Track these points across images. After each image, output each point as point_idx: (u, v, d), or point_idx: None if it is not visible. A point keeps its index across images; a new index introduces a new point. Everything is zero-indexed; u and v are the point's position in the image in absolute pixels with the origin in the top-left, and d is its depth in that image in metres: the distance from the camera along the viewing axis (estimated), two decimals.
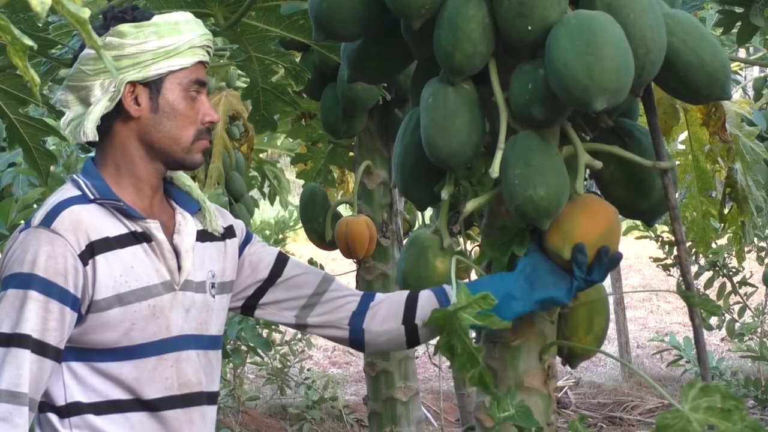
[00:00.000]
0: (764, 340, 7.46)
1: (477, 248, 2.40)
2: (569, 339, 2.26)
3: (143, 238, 2.12)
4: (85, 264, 2.04)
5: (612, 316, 8.31)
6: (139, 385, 2.09)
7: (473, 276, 2.34)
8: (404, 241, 4.01)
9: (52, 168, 3.40)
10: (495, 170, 2.08)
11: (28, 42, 1.25)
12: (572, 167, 2.16)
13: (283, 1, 2.90)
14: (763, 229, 6.72)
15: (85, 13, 1.26)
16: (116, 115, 2.13)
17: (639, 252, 13.91)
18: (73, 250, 2.03)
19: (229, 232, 2.27)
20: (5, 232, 3.63)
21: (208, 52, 2.18)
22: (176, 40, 2.13)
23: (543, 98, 2.06)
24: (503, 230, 2.20)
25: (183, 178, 2.26)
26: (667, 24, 2.12)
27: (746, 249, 5.43)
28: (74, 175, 2.15)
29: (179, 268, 2.15)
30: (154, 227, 2.14)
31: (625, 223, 8.05)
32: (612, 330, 8.35)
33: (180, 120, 2.15)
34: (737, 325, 7.59)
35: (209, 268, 2.20)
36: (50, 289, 2.01)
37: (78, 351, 2.07)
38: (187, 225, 2.19)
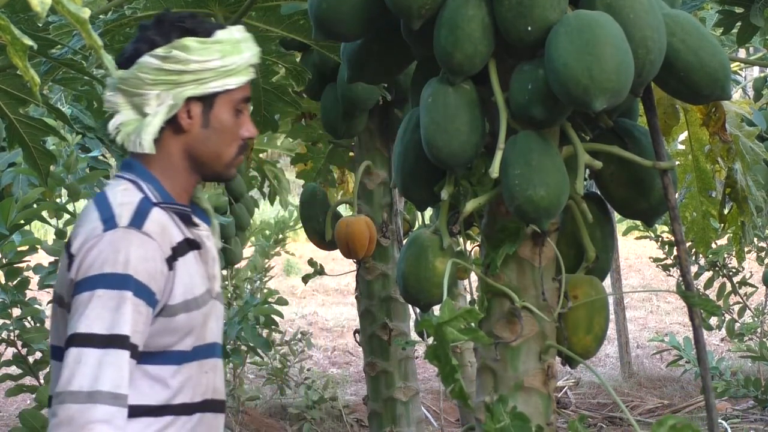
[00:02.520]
0: (764, 340, 7.46)
1: (477, 248, 2.40)
2: (569, 339, 2.26)
3: (195, 245, 2.14)
4: (170, 268, 2.07)
5: (612, 316, 8.31)
6: (182, 390, 2.10)
7: (473, 276, 2.34)
8: (404, 241, 4.01)
9: (51, 168, 3.40)
10: (495, 170, 2.08)
11: (28, 42, 1.25)
12: (572, 167, 2.16)
13: (284, 1, 2.90)
14: (763, 229, 6.72)
15: (85, 13, 1.26)
16: (167, 125, 2.14)
17: (639, 252, 13.91)
18: (162, 254, 2.06)
19: None
20: (5, 231, 3.63)
21: (256, 69, 2.22)
22: (237, 60, 2.15)
23: (543, 98, 2.06)
24: (503, 231, 2.21)
25: (196, 190, 2.27)
26: (667, 24, 2.12)
27: (746, 249, 5.43)
28: (125, 175, 2.15)
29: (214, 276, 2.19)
30: (205, 235, 2.18)
31: (625, 224, 8.05)
32: (612, 330, 8.34)
33: (226, 136, 2.17)
34: (737, 325, 7.59)
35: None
36: (143, 292, 2.02)
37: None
38: (210, 234, 2.22)
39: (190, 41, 2.12)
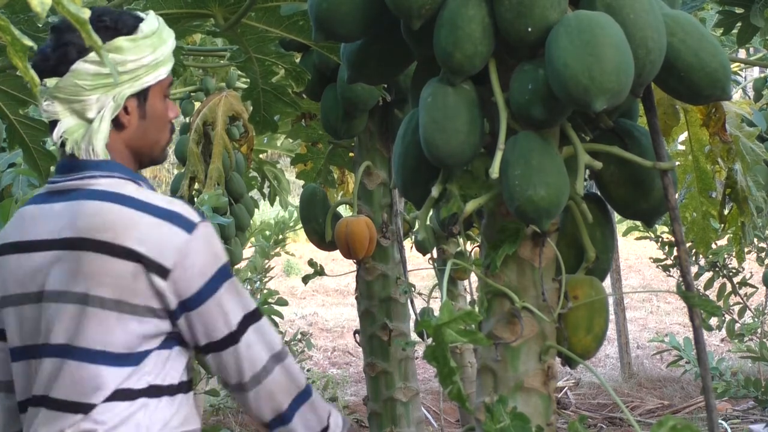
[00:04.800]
0: (764, 340, 7.46)
1: (477, 249, 2.40)
2: (569, 339, 2.26)
3: None
4: None
5: (612, 317, 8.32)
6: (188, 368, 2.22)
7: (473, 277, 2.34)
8: (404, 242, 4.01)
9: (51, 168, 3.40)
10: (495, 170, 2.08)
11: (28, 42, 1.25)
12: (572, 168, 2.16)
13: (283, 1, 2.90)
14: (763, 229, 6.72)
15: (86, 13, 1.26)
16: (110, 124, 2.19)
17: (639, 252, 13.92)
18: None
19: None
20: None
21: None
22: (164, 50, 2.22)
23: (543, 98, 2.06)
24: (503, 231, 2.21)
25: None
26: (667, 24, 2.12)
27: (746, 250, 5.42)
28: (114, 173, 2.18)
29: None
30: None
31: (625, 224, 8.05)
32: (612, 330, 8.35)
33: (161, 123, 2.25)
34: (737, 325, 7.58)
35: None
36: (231, 269, 2.25)
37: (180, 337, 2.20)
38: None
39: (121, 42, 2.16)
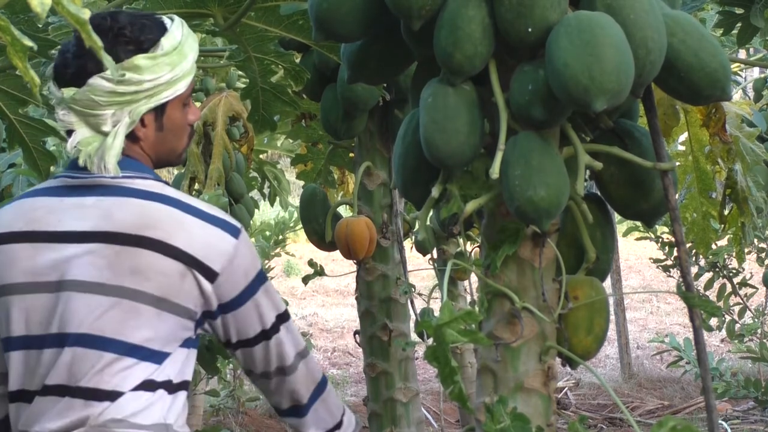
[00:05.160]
0: (764, 341, 7.46)
1: (477, 249, 2.40)
2: (570, 340, 2.26)
3: None
4: None
5: (612, 317, 8.31)
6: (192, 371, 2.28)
7: (473, 277, 2.34)
8: (404, 242, 4.01)
9: (51, 168, 3.40)
10: (495, 171, 2.08)
11: (28, 43, 1.25)
12: (572, 168, 2.16)
13: (283, 1, 2.90)
14: (763, 230, 6.72)
15: (85, 14, 1.26)
16: (125, 138, 2.20)
17: (639, 253, 13.93)
18: None
19: None
20: None
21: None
22: (184, 66, 2.22)
23: (543, 99, 2.05)
24: (503, 231, 2.20)
25: None
26: (668, 25, 2.12)
27: (746, 250, 5.42)
28: (153, 175, 2.23)
29: None
30: None
31: (626, 225, 8.05)
32: (612, 331, 8.34)
33: (179, 132, 2.28)
34: (737, 326, 7.59)
35: None
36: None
37: (197, 339, 2.26)
38: None
39: (140, 60, 2.15)
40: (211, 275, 2.16)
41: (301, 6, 2.88)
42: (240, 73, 5.50)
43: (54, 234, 2.17)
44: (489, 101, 2.17)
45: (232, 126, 5.26)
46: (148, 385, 2.16)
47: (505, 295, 2.23)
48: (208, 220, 2.17)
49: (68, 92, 2.14)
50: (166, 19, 2.23)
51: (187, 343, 2.22)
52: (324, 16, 2.20)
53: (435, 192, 2.22)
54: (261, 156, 6.21)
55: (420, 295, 4.55)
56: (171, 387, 2.19)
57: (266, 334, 2.30)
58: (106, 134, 2.16)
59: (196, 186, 5.20)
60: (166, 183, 2.24)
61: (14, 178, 4.72)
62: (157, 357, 2.16)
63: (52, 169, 3.38)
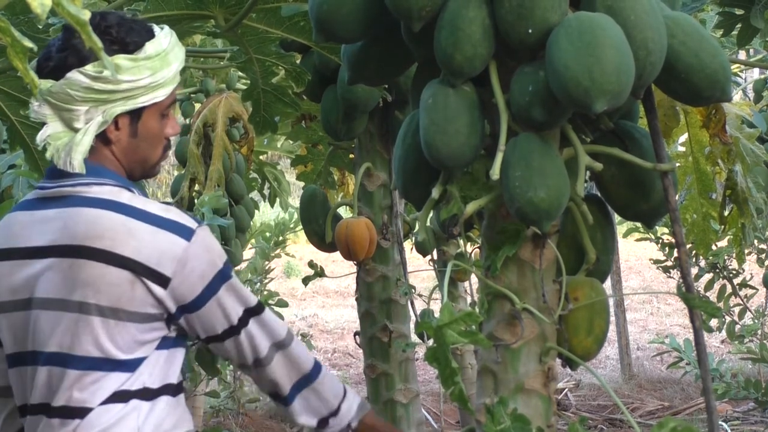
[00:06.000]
0: (765, 342, 7.46)
1: (477, 251, 2.40)
2: (570, 341, 2.26)
3: None
4: None
5: (612, 318, 8.31)
6: (181, 371, 2.26)
7: (473, 278, 2.34)
8: (404, 243, 4.01)
9: None
10: (495, 172, 2.08)
11: (29, 44, 1.25)
12: (573, 169, 2.16)
13: (284, 2, 2.90)
14: (763, 231, 6.71)
15: (86, 14, 1.26)
16: (97, 137, 2.17)
17: (639, 254, 13.92)
18: None
19: None
20: None
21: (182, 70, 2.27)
22: (166, 73, 2.19)
23: (543, 100, 2.05)
24: (503, 233, 2.20)
25: None
26: (668, 26, 2.12)
27: (746, 251, 5.42)
28: (106, 181, 2.18)
29: None
30: None
31: (626, 225, 8.05)
32: (612, 332, 8.34)
33: (153, 141, 2.24)
34: (737, 327, 7.58)
35: None
36: (231, 267, 2.27)
37: (180, 337, 2.23)
38: None
39: (121, 60, 2.13)
40: (162, 281, 2.11)
41: (302, 7, 2.88)
42: (240, 74, 5.50)
43: (25, 250, 2.16)
44: (489, 102, 2.17)
45: (232, 127, 5.26)
46: (120, 396, 2.12)
47: (505, 297, 2.23)
48: (159, 224, 2.12)
49: (45, 84, 2.12)
50: (155, 27, 2.22)
51: (165, 344, 2.18)
52: (324, 17, 2.20)
53: (435, 193, 2.22)
54: (261, 157, 6.21)
55: (420, 296, 4.55)
56: (149, 393, 2.15)
57: (234, 330, 2.26)
58: (77, 131, 2.13)
59: (196, 187, 5.20)
60: (125, 187, 2.18)
61: (14, 180, 4.71)
62: (126, 366, 2.12)
63: None
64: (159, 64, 2.17)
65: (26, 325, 2.15)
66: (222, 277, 2.21)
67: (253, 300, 2.28)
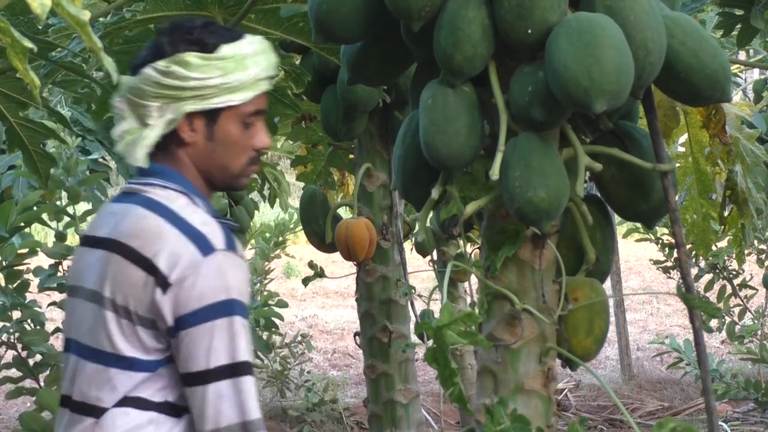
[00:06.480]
0: (764, 342, 7.46)
1: (477, 251, 2.40)
2: (570, 341, 2.26)
3: None
4: None
5: (612, 319, 8.31)
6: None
7: (473, 279, 2.34)
8: (404, 244, 4.01)
9: (51, 171, 3.40)
10: (495, 172, 2.08)
11: (29, 44, 1.25)
12: (572, 169, 2.16)
13: (283, 3, 2.90)
14: (763, 231, 6.72)
15: (86, 15, 1.26)
16: (172, 138, 2.14)
17: (639, 254, 13.92)
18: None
19: None
20: (5, 234, 3.64)
21: (272, 78, 2.18)
22: (241, 77, 2.13)
23: (543, 100, 2.06)
24: (503, 233, 2.21)
25: None
26: (667, 26, 2.12)
27: (746, 251, 5.41)
28: (167, 184, 2.14)
29: None
30: None
31: (625, 226, 8.06)
32: (612, 332, 8.34)
33: (234, 149, 2.16)
34: (737, 327, 7.58)
35: None
36: (244, 312, 2.05)
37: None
38: None
39: (191, 57, 2.10)
40: (164, 284, 2.04)
41: (301, 8, 2.88)
42: None
43: (92, 239, 2.18)
44: (489, 103, 2.17)
45: None
46: (135, 403, 2.08)
47: (505, 297, 2.23)
48: (188, 233, 2.06)
49: (125, 79, 2.13)
50: (245, 35, 2.18)
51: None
52: (324, 17, 2.20)
53: (435, 193, 2.22)
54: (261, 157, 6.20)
55: (420, 296, 4.55)
56: (172, 409, 2.08)
57: (205, 378, 2.02)
58: (148, 127, 2.13)
59: None
60: (186, 194, 2.12)
61: (14, 180, 4.72)
62: (139, 367, 2.07)
63: (51, 171, 3.38)
64: (232, 66, 2.12)
65: (72, 310, 2.17)
66: (225, 308, 2.03)
67: (242, 358, 2.03)
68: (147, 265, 2.06)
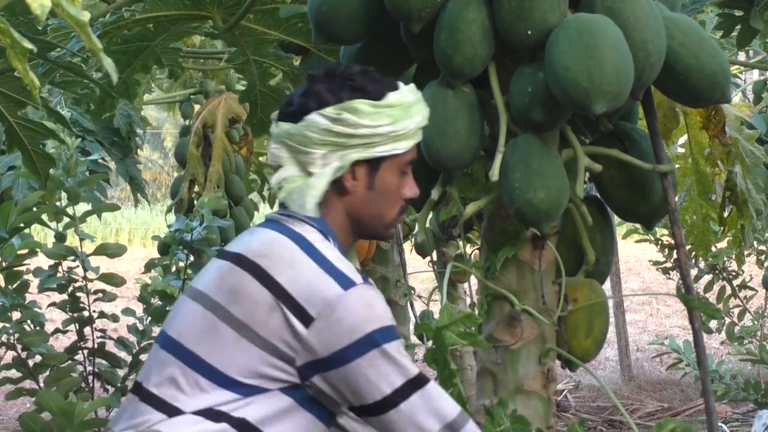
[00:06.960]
0: (764, 343, 7.46)
1: (477, 252, 2.40)
2: (569, 342, 2.26)
3: None
4: None
5: (612, 320, 8.29)
6: None
7: (473, 280, 2.34)
8: (403, 245, 4.01)
9: (51, 171, 3.39)
10: (495, 173, 2.08)
11: (28, 45, 1.25)
12: (572, 170, 2.16)
13: (282, 4, 2.90)
14: (762, 232, 6.71)
15: (85, 15, 1.26)
16: (331, 185, 2.12)
17: (639, 255, 13.92)
18: None
19: None
20: (5, 235, 3.63)
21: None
22: (407, 125, 2.10)
23: (543, 101, 2.06)
24: (503, 234, 2.21)
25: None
26: (667, 27, 2.12)
27: (746, 252, 5.42)
28: (311, 222, 2.12)
29: None
30: None
31: (625, 227, 8.05)
32: (612, 333, 8.33)
33: (390, 198, 2.14)
34: (737, 328, 7.58)
35: None
36: (397, 335, 2.06)
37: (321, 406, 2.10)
38: None
39: (361, 104, 2.07)
40: (306, 318, 2.02)
41: (301, 9, 2.88)
42: (240, 75, 5.50)
43: (223, 252, 2.17)
44: (488, 104, 2.17)
45: (231, 128, 5.26)
46: (211, 414, 2.05)
47: (504, 298, 2.23)
48: (324, 267, 2.05)
49: (284, 126, 2.10)
50: (400, 82, 2.15)
51: (290, 392, 2.08)
52: (324, 18, 2.20)
53: (434, 194, 2.22)
54: (261, 158, 6.21)
55: (420, 297, 4.55)
56: (245, 427, 2.05)
57: (391, 402, 2.05)
58: (311, 175, 2.10)
59: (196, 188, 5.20)
60: (321, 232, 2.11)
61: (14, 181, 4.72)
62: (233, 387, 2.05)
63: (51, 171, 3.38)
64: (401, 113, 2.09)
65: (183, 309, 2.15)
66: (376, 340, 2.03)
67: (414, 371, 2.05)
68: (274, 288, 2.04)
